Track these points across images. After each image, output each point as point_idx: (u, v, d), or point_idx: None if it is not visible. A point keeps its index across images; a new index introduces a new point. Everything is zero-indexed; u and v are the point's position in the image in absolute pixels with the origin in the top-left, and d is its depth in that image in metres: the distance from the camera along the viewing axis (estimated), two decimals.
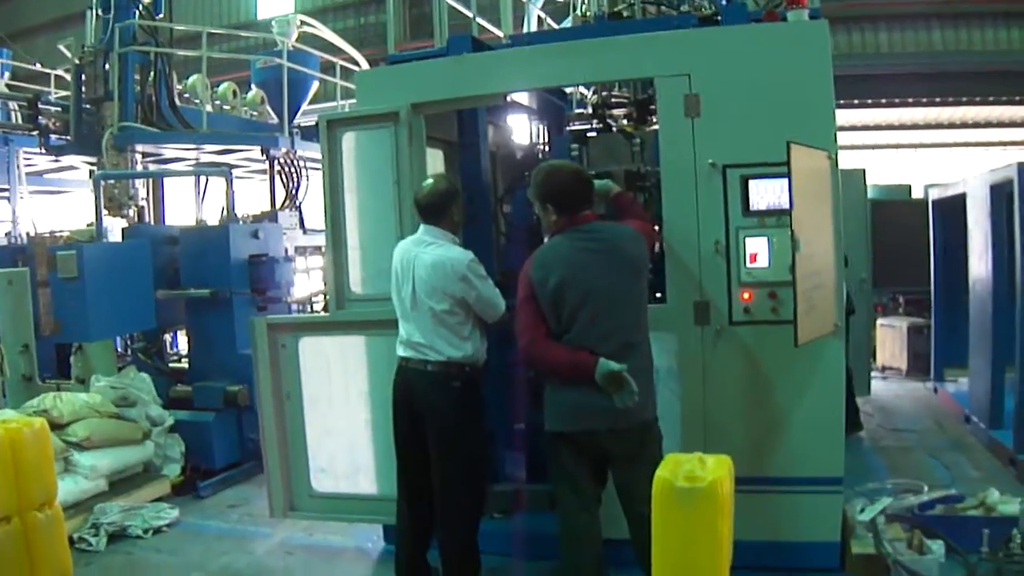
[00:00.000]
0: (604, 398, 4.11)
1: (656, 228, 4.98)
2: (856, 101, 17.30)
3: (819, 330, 4.75)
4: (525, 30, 8.01)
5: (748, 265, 5.02)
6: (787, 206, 4.55)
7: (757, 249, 5.01)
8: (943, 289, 10.38)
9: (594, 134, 6.52)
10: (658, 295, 5.32)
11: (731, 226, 5.03)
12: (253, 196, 13.53)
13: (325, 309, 6.16)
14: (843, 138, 18.34)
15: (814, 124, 4.92)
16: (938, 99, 17.49)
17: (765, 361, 5.07)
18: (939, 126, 18.98)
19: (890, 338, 12.10)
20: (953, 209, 9.42)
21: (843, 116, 17.87)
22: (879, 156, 19.80)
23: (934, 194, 10.53)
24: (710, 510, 3.41)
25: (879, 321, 12.25)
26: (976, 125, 18.80)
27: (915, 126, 19.05)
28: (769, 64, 5.00)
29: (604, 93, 6.48)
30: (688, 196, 5.06)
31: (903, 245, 11.22)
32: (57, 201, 17.42)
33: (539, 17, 8.26)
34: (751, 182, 4.98)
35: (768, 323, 4.99)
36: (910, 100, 17.53)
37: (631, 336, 4.27)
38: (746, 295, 5.03)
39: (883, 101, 17.61)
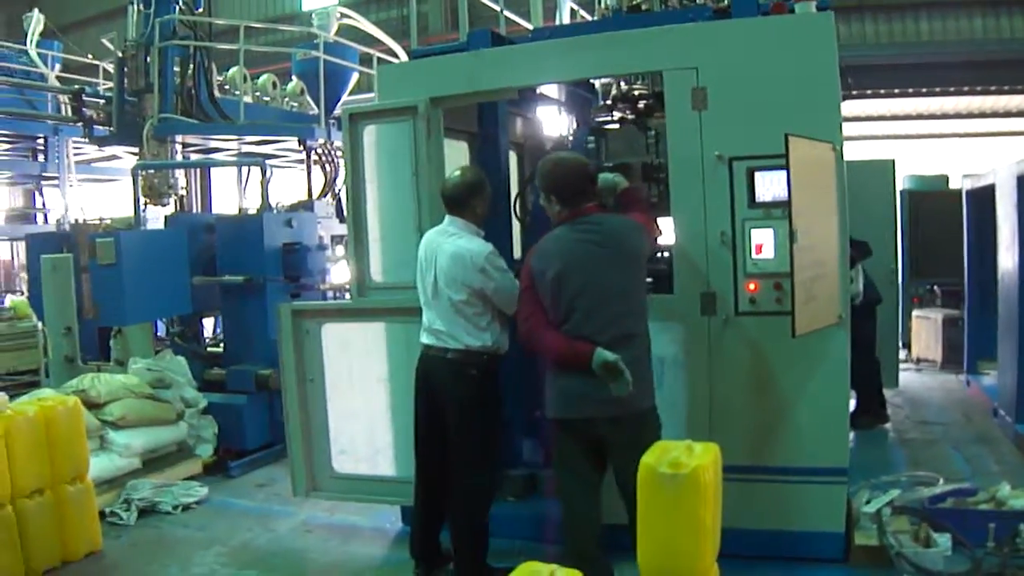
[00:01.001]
0: (602, 387, 4.19)
1: (657, 224, 5.00)
2: (897, 90, 17.09)
3: (820, 321, 4.80)
4: (557, 21, 8.08)
5: (754, 256, 5.08)
6: None
7: (763, 240, 5.06)
8: (976, 280, 10.29)
9: (615, 126, 6.61)
10: None
11: (737, 218, 5.09)
12: (293, 185, 13.77)
13: None
14: (883, 128, 18.14)
15: (819, 115, 4.96)
16: (979, 88, 17.20)
17: (770, 351, 5.13)
18: (982, 115, 18.67)
19: (925, 330, 12.01)
20: (985, 200, 9.34)
21: (884, 105, 17.74)
22: (921, 146, 19.57)
23: (967, 184, 10.45)
24: (692, 497, 3.49)
25: (915, 312, 12.18)
26: (1020, 113, 18.49)
27: (957, 115, 18.75)
28: (775, 56, 5.05)
29: (625, 86, 6.55)
30: (695, 188, 5.14)
31: (940, 236, 11.16)
32: (106, 189, 17.84)
33: (572, 9, 8.32)
34: (757, 174, 5.03)
35: (773, 314, 5.02)
36: (951, 89, 17.26)
37: (629, 327, 4.35)
38: (752, 286, 5.09)
39: (924, 90, 17.35)
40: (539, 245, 4.52)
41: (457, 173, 5.19)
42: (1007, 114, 18.54)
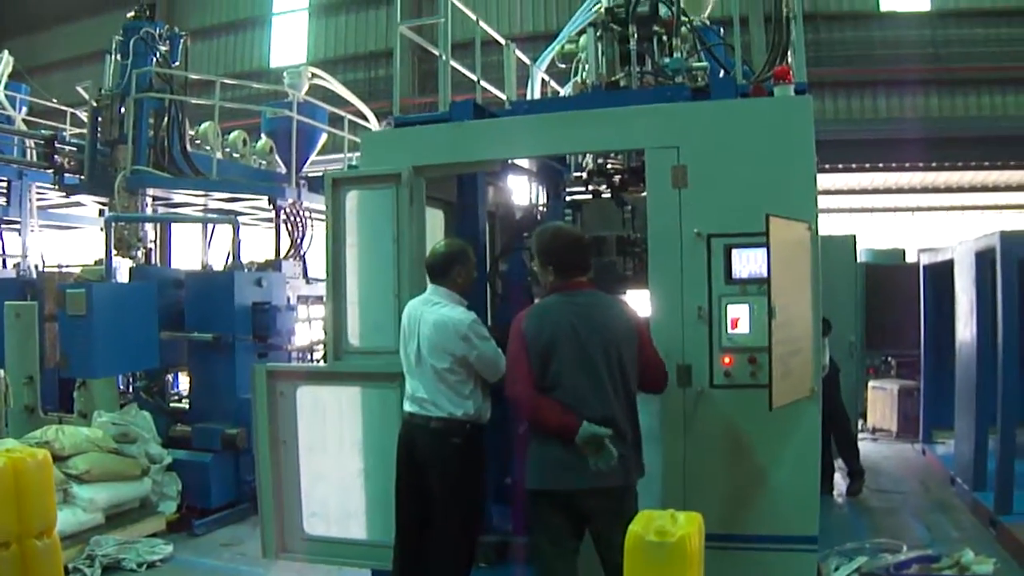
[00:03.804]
0: (586, 458, 4.28)
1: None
2: (855, 165, 17.54)
3: (795, 394, 4.90)
4: (528, 92, 8.23)
5: (729, 331, 5.18)
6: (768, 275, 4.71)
7: (738, 315, 5.17)
8: (933, 352, 10.55)
9: (589, 197, 6.75)
10: None
11: (714, 293, 5.20)
12: (259, 243, 13.74)
13: (325, 359, 6.35)
14: (841, 201, 18.65)
15: (796, 195, 5.10)
16: (934, 164, 17.73)
17: (744, 423, 5.21)
18: (936, 190, 19.22)
19: (881, 400, 12.24)
20: (943, 274, 9.62)
21: (842, 180, 18.18)
22: (877, 220, 20.03)
23: (925, 259, 10.74)
24: (679, 564, 3.57)
25: (870, 383, 12.40)
26: (973, 189, 19.02)
27: (912, 190, 19.28)
28: (754, 137, 5.20)
29: (600, 160, 6.70)
30: (673, 263, 5.24)
31: (897, 308, 11.40)
32: (65, 236, 17.64)
33: (543, 80, 8.49)
34: (734, 251, 5.15)
35: (747, 387, 5.12)
36: (907, 164, 17.77)
37: (614, 403, 4.43)
38: (727, 360, 5.19)
39: (881, 165, 17.84)
40: (532, 310, 4.61)
41: (441, 243, 5.32)
42: (960, 189, 19.08)
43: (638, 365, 4.58)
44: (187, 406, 9.14)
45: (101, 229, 10.16)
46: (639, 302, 5.44)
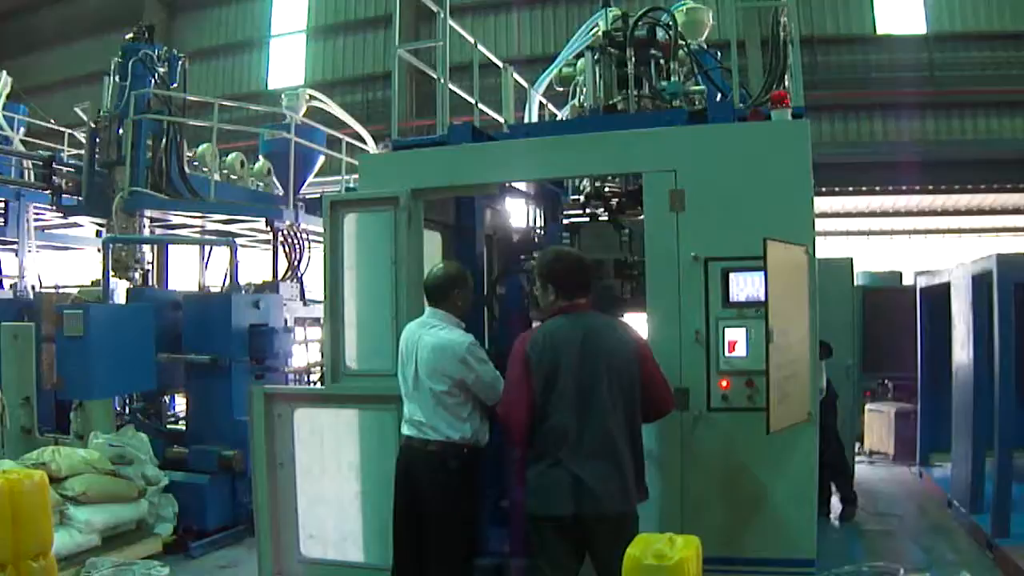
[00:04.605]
0: (586, 484, 4.31)
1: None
2: (851, 188, 17.59)
3: (792, 418, 4.91)
4: (526, 115, 8.26)
5: (727, 354, 5.20)
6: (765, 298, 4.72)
7: (736, 339, 5.19)
8: (929, 375, 10.53)
9: (586, 220, 6.77)
10: None
11: (711, 316, 5.21)
12: (256, 265, 13.75)
13: (322, 381, 6.34)
14: (838, 224, 18.68)
15: (793, 219, 5.13)
16: (931, 186, 17.78)
17: (741, 447, 5.21)
18: (933, 213, 19.27)
19: (877, 423, 12.22)
20: (940, 297, 9.62)
21: (839, 203, 18.21)
22: (874, 243, 20.07)
23: (921, 282, 10.75)
24: None
25: (867, 406, 12.38)
26: (969, 212, 19.07)
27: (909, 213, 19.33)
28: (752, 161, 5.23)
29: (598, 183, 6.72)
30: (671, 287, 5.27)
31: (894, 331, 11.40)
32: (62, 257, 17.64)
33: (541, 103, 8.52)
34: (731, 275, 5.18)
35: (745, 410, 5.13)
36: (904, 187, 17.82)
37: (614, 427, 4.42)
38: (724, 383, 5.20)
39: (877, 188, 17.89)
40: (537, 332, 4.63)
41: (440, 266, 5.32)
42: (957, 212, 19.12)
43: (641, 387, 4.58)
44: (184, 428, 9.12)
45: (98, 250, 10.18)
46: (637, 325, 5.43)
